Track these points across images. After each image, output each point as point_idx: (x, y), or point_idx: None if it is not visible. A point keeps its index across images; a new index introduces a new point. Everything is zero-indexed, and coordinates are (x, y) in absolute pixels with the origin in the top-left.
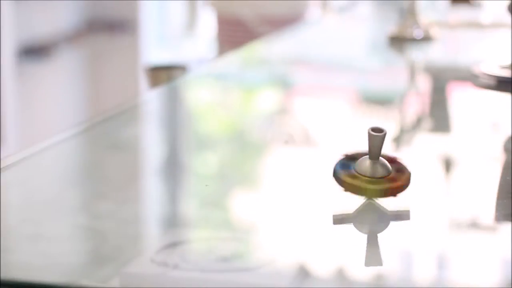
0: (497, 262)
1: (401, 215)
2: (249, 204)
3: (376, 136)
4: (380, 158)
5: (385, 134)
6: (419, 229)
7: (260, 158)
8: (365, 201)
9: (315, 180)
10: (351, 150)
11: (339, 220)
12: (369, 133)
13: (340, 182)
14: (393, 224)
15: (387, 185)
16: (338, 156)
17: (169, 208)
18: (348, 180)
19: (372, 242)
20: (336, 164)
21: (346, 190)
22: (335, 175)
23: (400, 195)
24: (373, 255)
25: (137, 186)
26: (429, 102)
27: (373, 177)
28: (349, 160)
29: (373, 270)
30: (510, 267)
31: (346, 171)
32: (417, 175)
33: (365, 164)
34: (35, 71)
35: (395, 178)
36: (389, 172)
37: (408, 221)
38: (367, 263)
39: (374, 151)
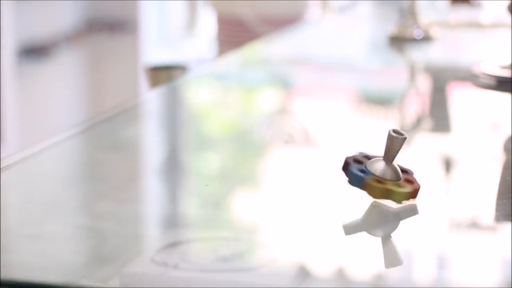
0: (497, 262)
1: (407, 211)
2: (249, 204)
3: (397, 138)
4: (393, 162)
5: (405, 138)
6: (419, 229)
7: (260, 158)
8: (371, 203)
9: (315, 180)
10: (365, 150)
11: (350, 229)
12: (389, 134)
13: (348, 174)
14: (394, 224)
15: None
16: (352, 152)
17: (169, 208)
18: (357, 172)
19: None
20: (349, 158)
21: (349, 182)
22: (348, 170)
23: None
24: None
25: (137, 186)
26: (429, 102)
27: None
28: (362, 158)
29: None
30: (510, 267)
31: (357, 167)
32: (417, 175)
33: (377, 164)
34: (35, 71)
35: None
36: (398, 179)
37: (414, 216)
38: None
39: (391, 154)
